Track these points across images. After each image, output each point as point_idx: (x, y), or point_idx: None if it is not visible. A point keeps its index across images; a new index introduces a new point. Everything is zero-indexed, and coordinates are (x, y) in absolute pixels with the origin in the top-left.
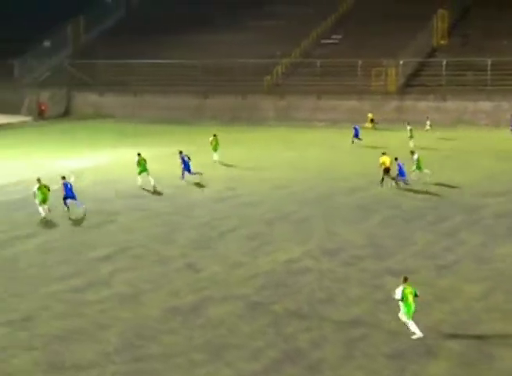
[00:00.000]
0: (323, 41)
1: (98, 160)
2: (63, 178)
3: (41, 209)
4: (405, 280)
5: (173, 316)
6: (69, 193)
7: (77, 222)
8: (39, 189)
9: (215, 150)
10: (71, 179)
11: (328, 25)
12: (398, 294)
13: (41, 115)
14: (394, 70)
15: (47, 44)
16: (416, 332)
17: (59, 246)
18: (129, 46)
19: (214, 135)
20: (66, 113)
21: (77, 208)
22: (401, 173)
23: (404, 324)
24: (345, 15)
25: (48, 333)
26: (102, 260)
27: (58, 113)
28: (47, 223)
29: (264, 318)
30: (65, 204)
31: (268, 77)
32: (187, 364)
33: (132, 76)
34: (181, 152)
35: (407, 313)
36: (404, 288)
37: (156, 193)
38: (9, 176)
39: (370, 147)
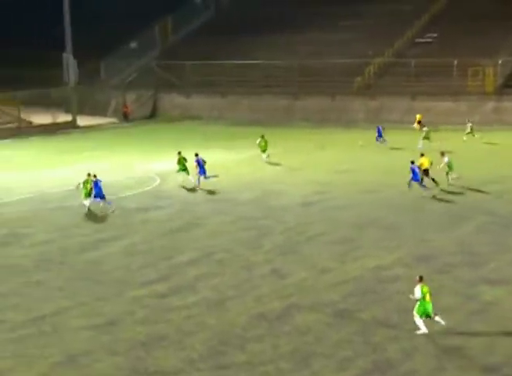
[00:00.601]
0: (417, 41)
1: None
2: (95, 176)
3: (85, 202)
4: (421, 279)
5: (259, 322)
6: (98, 191)
7: (162, 226)
8: (84, 183)
9: (264, 150)
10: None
11: (422, 24)
12: (417, 293)
13: (125, 117)
14: (492, 70)
15: (134, 45)
16: (422, 329)
17: (144, 249)
18: (217, 47)
19: (262, 136)
20: (152, 115)
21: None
22: (415, 177)
23: (500, 334)
24: (439, 13)
25: (132, 338)
26: (187, 265)
27: (144, 115)
28: (132, 226)
29: (351, 326)
30: (95, 201)
31: (359, 78)
32: (273, 373)
33: (220, 77)
34: (197, 154)
35: (421, 311)
36: (421, 287)
37: (240, 197)
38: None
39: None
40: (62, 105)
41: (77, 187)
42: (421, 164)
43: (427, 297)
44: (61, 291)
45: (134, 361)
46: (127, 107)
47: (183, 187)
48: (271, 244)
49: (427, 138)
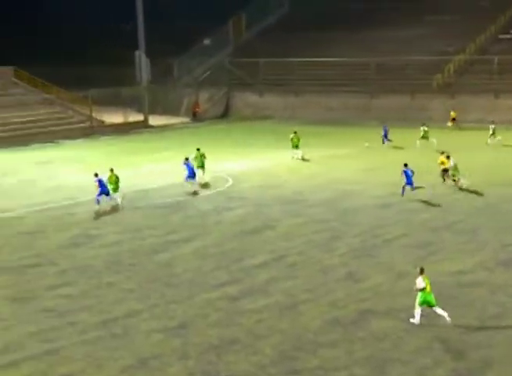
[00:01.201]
0: (501, 37)
1: (257, 163)
2: (96, 175)
3: (116, 197)
4: (422, 271)
5: (333, 327)
6: (104, 189)
7: (234, 228)
8: (109, 178)
9: (296, 147)
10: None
11: (506, 19)
12: (420, 284)
13: (194, 116)
14: None
15: (207, 42)
16: (416, 319)
17: (216, 251)
18: (291, 44)
19: (295, 133)
20: (224, 114)
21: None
22: (408, 181)
23: None
24: None
25: (203, 341)
26: (259, 267)
27: (216, 114)
28: (204, 227)
29: (430, 333)
30: (97, 200)
31: (439, 76)
32: None
33: (294, 75)
34: (187, 158)
35: (423, 301)
36: (424, 278)
37: (312, 198)
38: (165, 179)
39: None
40: (134, 104)
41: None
42: (442, 163)
43: (428, 288)
44: (132, 293)
45: (205, 365)
46: (197, 106)
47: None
48: (345, 246)
49: (425, 137)
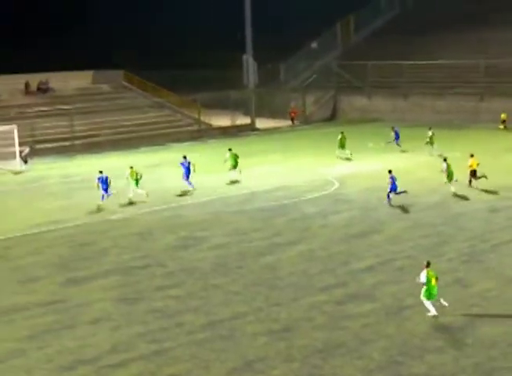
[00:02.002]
0: None
1: (364, 165)
2: (101, 172)
3: (139, 191)
4: (428, 264)
5: (440, 333)
6: (104, 187)
7: (340, 231)
8: (130, 174)
9: (343, 147)
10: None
11: None
12: (422, 277)
13: (292, 121)
14: None
15: (314, 45)
16: (432, 311)
17: (322, 255)
18: (400, 46)
19: (342, 133)
20: (332, 117)
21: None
22: (393, 187)
23: None
24: None
25: (308, 345)
26: (365, 271)
27: (324, 117)
28: (309, 230)
29: None
30: (103, 197)
31: None
32: None
33: (403, 78)
34: (185, 157)
35: (427, 295)
36: (427, 272)
37: (420, 201)
38: (271, 182)
39: None
40: (241, 107)
41: (127, 179)
42: (470, 165)
43: (433, 281)
44: (238, 296)
45: (310, 368)
46: (294, 111)
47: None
48: (454, 251)
49: (431, 143)
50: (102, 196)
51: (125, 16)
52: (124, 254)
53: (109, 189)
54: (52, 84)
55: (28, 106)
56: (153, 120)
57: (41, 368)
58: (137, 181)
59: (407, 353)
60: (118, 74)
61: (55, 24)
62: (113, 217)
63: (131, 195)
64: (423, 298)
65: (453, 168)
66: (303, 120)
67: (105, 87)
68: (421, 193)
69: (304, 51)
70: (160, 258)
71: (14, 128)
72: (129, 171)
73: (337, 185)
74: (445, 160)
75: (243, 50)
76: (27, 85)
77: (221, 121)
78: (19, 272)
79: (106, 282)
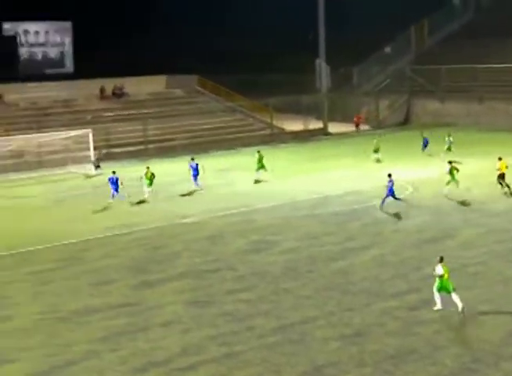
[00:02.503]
0: None
1: (438, 170)
2: (114, 172)
3: (146, 190)
4: (442, 259)
5: None
6: (114, 187)
7: (412, 236)
8: (146, 174)
9: (376, 151)
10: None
11: None
12: (439, 270)
13: (357, 127)
14: None
15: (388, 50)
16: (438, 305)
17: (394, 260)
18: (475, 50)
19: (379, 136)
20: (405, 122)
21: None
22: (390, 191)
23: None
24: None
25: (380, 350)
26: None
27: (397, 122)
28: (381, 235)
29: None
30: (113, 196)
31: None
32: None
33: (477, 82)
34: (193, 158)
35: (440, 287)
36: (442, 266)
37: (495, 207)
38: (343, 186)
39: None
40: (313, 112)
41: (140, 179)
42: (499, 168)
43: (446, 275)
44: (309, 300)
45: (382, 374)
46: (359, 117)
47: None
48: None
49: (449, 149)
50: (113, 195)
51: (196, 19)
52: (196, 258)
53: (119, 190)
54: (126, 89)
55: (103, 110)
56: (225, 124)
57: (115, 370)
58: (151, 181)
59: (481, 360)
60: (192, 79)
61: (130, 28)
62: (185, 221)
63: (146, 195)
64: (435, 290)
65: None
66: (376, 124)
67: (178, 92)
68: (496, 199)
69: (377, 55)
70: (230, 261)
71: (89, 133)
72: (145, 170)
73: (410, 190)
74: (449, 162)
75: (314, 54)
76: (102, 90)
77: (294, 125)
78: (93, 275)
79: (178, 285)
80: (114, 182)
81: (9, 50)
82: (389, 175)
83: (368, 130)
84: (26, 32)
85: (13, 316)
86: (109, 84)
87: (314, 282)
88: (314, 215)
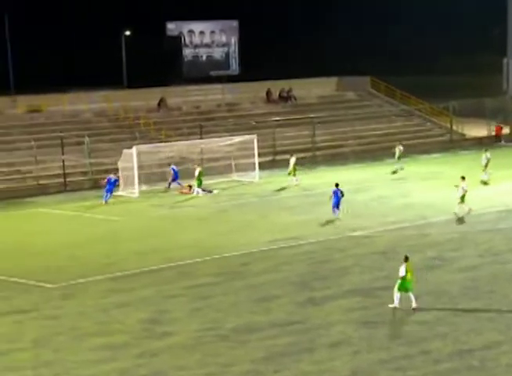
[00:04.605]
0: None
1: None
2: (115, 173)
3: (198, 190)
4: (407, 259)
5: None
6: (110, 188)
7: None
8: (199, 174)
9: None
10: None
11: None
12: (402, 271)
13: (497, 137)
14: None
15: None
16: (395, 303)
17: None
18: None
19: (486, 150)
20: None
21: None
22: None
23: None
24: None
25: None
26: None
27: None
28: None
29: None
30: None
31: None
32: None
33: None
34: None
35: (400, 287)
36: (406, 266)
37: None
38: None
39: None
40: (498, 116)
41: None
42: None
43: (409, 275)
44: (491, 323)
45: None
46: (499, 129)
47: None
48: None
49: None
50: (106, 195)
51: (368, 15)
52: (366, 274)
53: (113, 191)
54: (294, 92)
55: (269, 115)
56: (400, 130)
57: None
58: (200, 181)
59: None
60: (365, 81)
61: (299, 29)
62: (354, 234)
63: (200, 194)
64: (395, 290)
65: None
66: (495, 138)
67: (350, 94)
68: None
69: None
70: None
71: (254, 138)
72: (198, 170)
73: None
74: (463, 178)
75: (501, 52)
76: (268, 93)
77: (476, 130)
78: (255, 290)
79: (347, 303)
80: (112, 184)
81: (174, 51)
82: (336, 185)
83: (503, 145)
84: (190, 32)
85: (173, 332)
86: (276, 86)
87: (497, 303)
88: (497, 230)
